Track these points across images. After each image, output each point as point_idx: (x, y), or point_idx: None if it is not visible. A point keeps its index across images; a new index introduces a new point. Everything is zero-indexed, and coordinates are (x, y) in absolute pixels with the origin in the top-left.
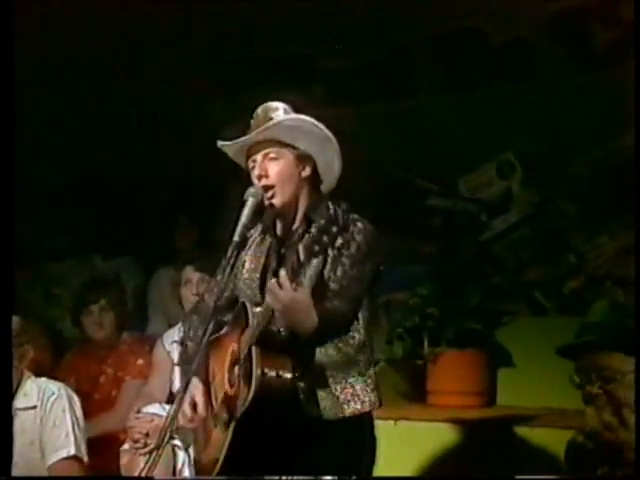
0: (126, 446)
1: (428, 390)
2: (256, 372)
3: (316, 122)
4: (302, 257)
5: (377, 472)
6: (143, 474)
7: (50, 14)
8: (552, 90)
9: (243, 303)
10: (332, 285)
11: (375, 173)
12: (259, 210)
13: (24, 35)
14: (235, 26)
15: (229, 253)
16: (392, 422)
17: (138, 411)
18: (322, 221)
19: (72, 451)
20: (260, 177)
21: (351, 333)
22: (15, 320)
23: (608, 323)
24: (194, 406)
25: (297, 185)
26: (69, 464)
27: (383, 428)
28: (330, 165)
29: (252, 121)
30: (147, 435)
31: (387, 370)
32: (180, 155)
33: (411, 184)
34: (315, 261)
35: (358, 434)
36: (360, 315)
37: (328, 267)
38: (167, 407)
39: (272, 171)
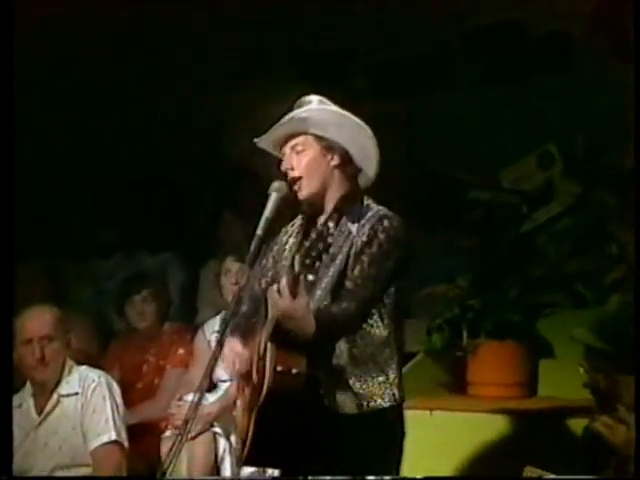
0: (168, 433)
1: (468, 381)
2: (270, 369)
3: (343, 111)
4: (329, 252)
5: (410, 462)
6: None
7: (50, 14)
8: (591, 82)
9: (265, 297)
10: (347, 284)
11: (416, 167)
12: (285, 203)
13: (24, 35)
14: (281, 20)
15: (252, 247)
16: (428, 412)
17: (179, 399)
18: (351, 216)
19: (113, 436)
20: (287, 170)
21: (371, 329)
22: (54, 311)
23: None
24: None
25: (325, 175)
26: (110, 449)
27: (418, 418)
28: (365, 150)
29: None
30: (187, 422)
31: (426, 362)
32: (223, 152)
33: (452, 177)
34: (337, 260)
35: (381, 428)
36: (383, 311)
37: (349, 264)
38: (208, 396)
39: (299, 163)
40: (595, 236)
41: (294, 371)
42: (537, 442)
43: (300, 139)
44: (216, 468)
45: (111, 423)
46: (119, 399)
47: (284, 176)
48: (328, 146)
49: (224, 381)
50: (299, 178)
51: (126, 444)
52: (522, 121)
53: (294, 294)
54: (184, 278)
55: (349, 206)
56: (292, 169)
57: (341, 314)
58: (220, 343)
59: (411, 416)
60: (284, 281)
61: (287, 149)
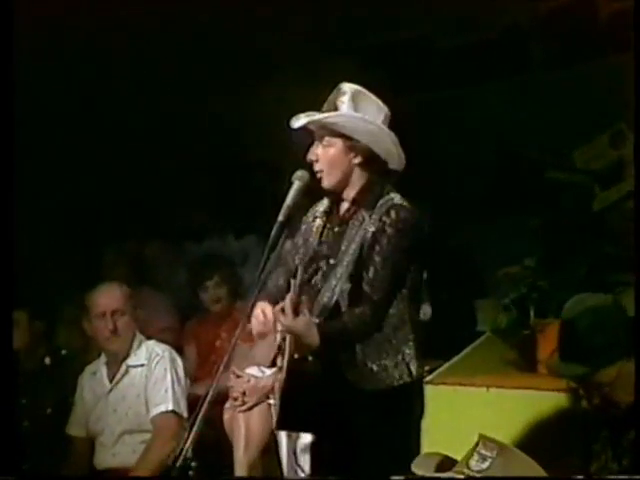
0: (227, 404)
1: (539, 359)
2: (287, 355)
3: (366, 117)
4: (345, 239)
5: (464, 436)
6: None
7: (51, 13)
8: None
9: (288, 281)
10: (365, 288)
11: (491, 148)
12: (308, 191)
13: (24, 35)
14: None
15: (273, 232)
16: (484, 389)
17: (236, 372)
18: (366, 205)
19: (170, 406)
20: (312, 160)
21: (394, 312)
22: (124, 288)
23: None
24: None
25: (346, 171)
26: (168, 418)
27: (475, 394)
28: (389, 151)
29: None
30: (244, 394)
31: (494, 340)
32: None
33: (527, 158)
34: (351, 250)
35: (398, 405)
36: (400, 293)
37: (363, 256)
38: (265, 370)
39: (323, 156)
40: None
41: (310, 358)
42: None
43: (328, 136)
44: (274, 438)
45: (170, 393)
46: (181, 372)
47: (309, 165)
48: (352, 145)
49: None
50: (320, 170)
51: (185, 414)
52: (594, 101)
53: (296, 312)
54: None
55: (367, 196)
56: (317, 160)
57: (353, 321)
58: (252, 305)
59: (467, 392)
60: (288, 301)
61: (316, 138)
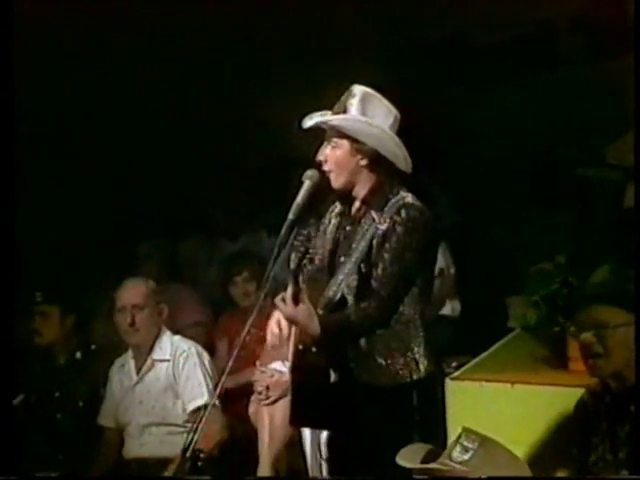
0: (253, 397)
1: (569, 357)
2: (293, 346)
3: (370, 121)
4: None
5: (491, 431)
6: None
7: (51, 13)
8: None
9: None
10: (373, 283)
11: (524, 145)
12: (318, 190)
13: (24, 35)
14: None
15: (283, 230)
16: (509, 385)
17: (262, 366)
18: (376, 205)
19: (206, 400)
20: (321, 161)
21: (403, 309)
22: (149, 284)
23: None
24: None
25: (353, 172)
26: (205, 409)
27: (499, 390)
28: (394, 154)
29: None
30: (268, 388)
31: (523, 337)
32: None
33: (558, 155)
34: (360, 247)
35: (408, 401)
36: (412, 291)
37: (372, 254)
38: (288, 364)
39: (331, 157)
40: None
41: (313, 349)
42: None
43: (335, 137)
44: (298, 432)
45: (204, 387)
46: (209, 365)
47: (318, 165)
48: (358, 148)
49: None
50: (329, 171)
51: (219, 405)
52: (624, 96)
53: (296, 302)
54: None
55: (376, 196)
56: (325, 161)
57: (357, 314)
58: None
59: (492, 388)
60: (289, 290)
61: (326, 138)
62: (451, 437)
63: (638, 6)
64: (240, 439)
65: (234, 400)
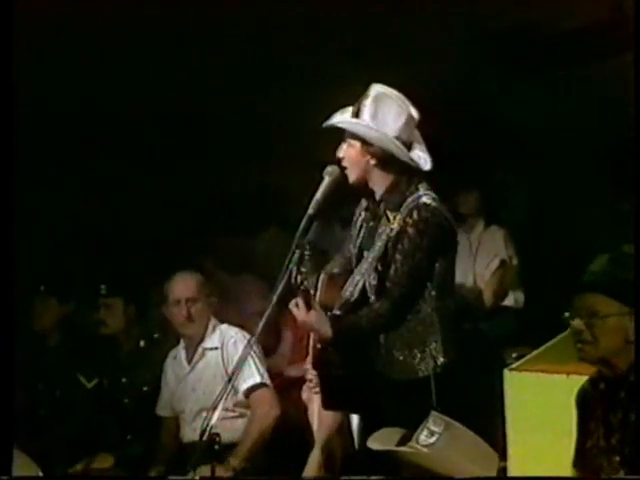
0: (305, 387)
1: None
2: (311, 343)
3: (371, 124)
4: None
5: (547, 423)
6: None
7: (51, 13)
8: None
9: (350, 260)
10: (387, 284)
11: (588, 134)
12: (338, 186)
13: (24, 35)
14: None
15: (302, 224)
16: (565, 376)
17: None
18: (392, 204)
19: (258, 379)
20: (339, 157)
21: (420, 307)
22: (197, 277)
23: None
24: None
25: (364, 170)
26: (260, 390)
27: (556, 381)
28: (400, 155)
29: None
30: None
31: None
32: None
33: (624, 141)
34: (377, 247)
35: (425, 395)
36: (431, 287)
37: (388, 254)
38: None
39: (346, 155)
40: None
41: (330, 348)
42: None
43: (349, 137)
44: (347, 424)
45: (254, 368)
46: (257, 348)
47: (338, 162)
48: (367, 148)
49: None
50: (345, 167)
51: (270, 384)
52: None
53: (308, 307)
54: None
55: (393, 194)
56: (343, 158)
57: (368, 315)
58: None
59: (549, 379)
60: (300, 295)
61: (345, 137)
62: (509, 428)
63: (638, 6)
64: (298, 423)
65: (296, 388)
